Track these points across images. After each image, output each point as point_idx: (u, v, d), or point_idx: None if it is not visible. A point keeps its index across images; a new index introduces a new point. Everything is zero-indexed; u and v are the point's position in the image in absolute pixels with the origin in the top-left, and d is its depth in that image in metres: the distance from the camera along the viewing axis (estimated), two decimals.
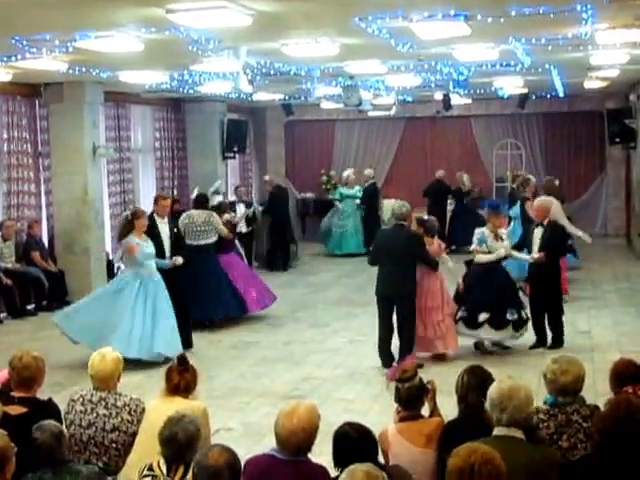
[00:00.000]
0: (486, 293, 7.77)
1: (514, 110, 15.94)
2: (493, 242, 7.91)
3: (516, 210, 11.22)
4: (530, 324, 8.02)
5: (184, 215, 9.60)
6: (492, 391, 3.40)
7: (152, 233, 8.06)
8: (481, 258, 7.94)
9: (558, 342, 8.10)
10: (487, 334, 7.86)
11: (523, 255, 8.27)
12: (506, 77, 12.00)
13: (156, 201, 8.51)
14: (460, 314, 7.84)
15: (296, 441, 3.35)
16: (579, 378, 3.84)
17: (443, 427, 3.92)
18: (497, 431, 3.33)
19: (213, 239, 9.50)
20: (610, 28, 7.08)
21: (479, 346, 8.11)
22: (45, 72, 9.19)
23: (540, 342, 8.13)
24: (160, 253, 8.09)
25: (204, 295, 9.20)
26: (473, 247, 8.04)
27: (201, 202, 9.79)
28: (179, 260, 8.15)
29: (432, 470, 3.81)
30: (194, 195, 10.48)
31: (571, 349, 7.68)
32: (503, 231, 8.16)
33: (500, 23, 6.57)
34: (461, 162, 17.12)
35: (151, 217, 8.24)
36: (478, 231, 8.06)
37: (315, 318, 9.93)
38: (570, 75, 11.60)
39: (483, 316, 7.75)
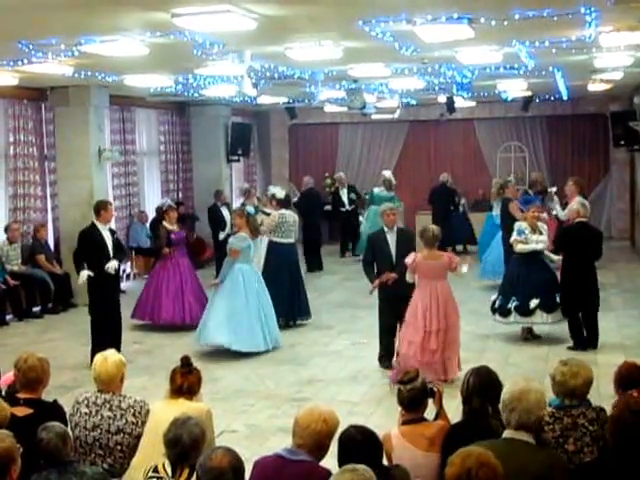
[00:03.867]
0: (533, 281, 8.24)
1: (518, 113, 15.93)
2: (533, 236, 8.33)
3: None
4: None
5: (277, 214, 9.75)
6: (505, 392, 3.38)
7: (95, 240, 7.99)
8: (523, 248, 8.37)
9: (593, 342, 8.07)
10: (541, 319, 8.28)
11: (553, 255, 8.54)
12: (510, 80, 12.01)
13: (105, 208, 8.16)
14: (512, 304, 8.29)
15: (314, 430, 3.36)
16: (589, 382, 3.85)
17: (447, 431, 3.93)
18: (506, 434, 3.31)
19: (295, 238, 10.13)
20: (614, 31, 7.09)
21: (527, 334, 8.57)
22: (51, 76, 9.24)
23: (578, 344, 8.08)
24: (105, 259, 8.06)
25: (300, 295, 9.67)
26: (513, 238, 8.52)
27: (289, 202, 10.35)
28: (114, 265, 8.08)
29: (435, 473, 3.81)
30: (282, 194, 10.35)
31: (575, 352, 7.68)
32: (544, 226, 8.56)
33: (504, 26, 6.58)
34: (465, 165, 17.13)
35: (93, 224, 8.09)
36: (518, 224, 8.63)
37: (319, 321, 9.94)
38: (574, 78, 11.60)
39: (534, 302, 8.19)
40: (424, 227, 7.34)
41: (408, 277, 7.22)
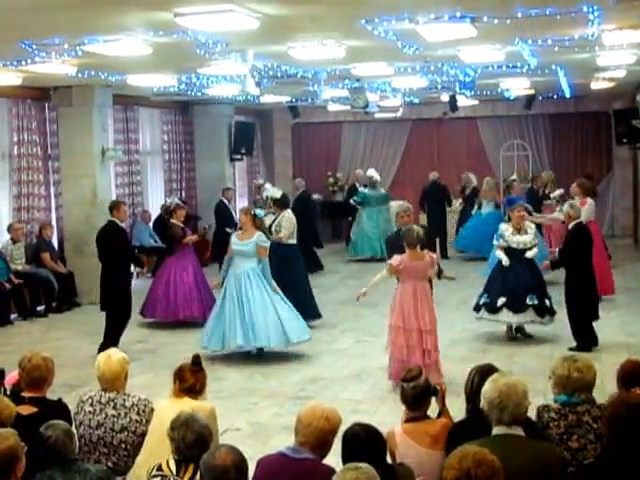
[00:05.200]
0: (505, 279, 8.33)
1: (521, 111, 15.94)
2: (511, 236, 8.38)
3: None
4: (558, 315, 8.38)
5: (291, 216, 9.54)
6: (488, 390, 3.33)
7: (123, 235, 8.26)
8: (499, 254, 8.51)
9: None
10: (507, 317, 8.36)
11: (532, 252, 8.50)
12: (512, 78, 12.02)
13: (117, 208, 8.42)
14: (482, 300, 8.43)
15: (316, 427, 3.37)
16: (595, 376, 3.89)
17: (450, 428, 3.94)
18: (497, 430, 3.29)
19: None
20: (617, 29, 7.10)
21: (513, 333, 8.64)
22: (54, 76, 9.27)
23: (582, 347, 7.93)
24: (131, 253, 8.34)
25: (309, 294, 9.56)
26: (495, 243, 8.64)
27: (288, 200, 10.07)
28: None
29: (439, 471, 3.82)
30: (279, 194, 10.00)
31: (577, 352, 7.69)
32: (531, 225, 8.64)
33: (506, 24, 6.59)
34: (468, 164, 17.13)
35: (113, 221, 8.35)
36: (500, 226, 8.70)
37: (323, 319, 9.95)
38: (577, 76, 11.60)
39: (501, 300, 8.27)
40: (408, 227, 7.15)
41: (382, 277, 7.08)
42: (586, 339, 8.02)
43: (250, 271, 8.09)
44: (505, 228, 8.53)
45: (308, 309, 9.46)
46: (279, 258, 9.34)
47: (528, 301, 8.22)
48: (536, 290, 8.30)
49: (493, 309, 8.36)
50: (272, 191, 10.31)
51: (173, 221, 9.86)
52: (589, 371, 3.84)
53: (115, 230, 8.34)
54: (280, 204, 9.74)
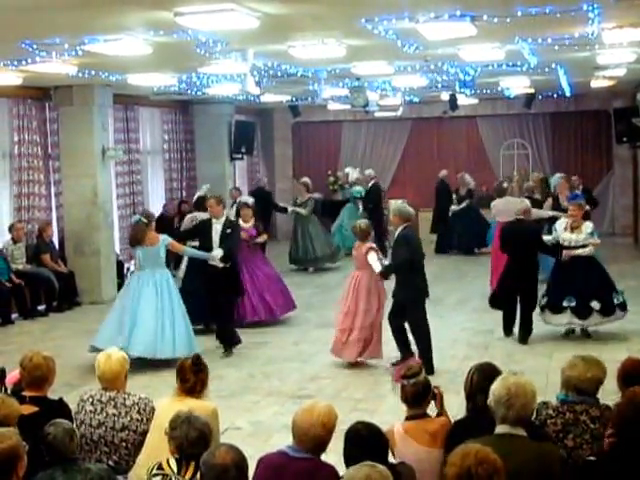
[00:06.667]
0: (570, 281, 8.23)
1: (521, 110, 15.93)
2: (563, 231, 8.33)
3: None
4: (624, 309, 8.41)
5: (188, 217, 9.47)
6: (497, 388, 3.33)
7: (204, 230, 8.43)
8: (546, 239, 8.60)
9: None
10: (566, 319, 8.30)
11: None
12: (512, 77, 12.01)
13: (206, 205, 8.71)
14: (569, 303, 8.25)
15: (314, 435, 3.38)
16: (587, 377, 3.83)
17: (450, 427, 3.94)
18: (501, 429, 3.29)
19: None
20: (617, 27, 7.11)
21: (569, 332, 8.59)
22: (55, 75, 9.27)
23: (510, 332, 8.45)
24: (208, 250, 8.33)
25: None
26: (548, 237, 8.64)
27: (201, 203, 9.77)
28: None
29: (438, 469, 3.83)
30: (196, 196, 10.19)
31: (580, 348, 7.69)
32: (589, 224, 8.48)
33: (506, 23, 6.59)
34: (468, 162, 17.14)
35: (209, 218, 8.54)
36: (558, 221, 8.68)
37: (323, 318, 9.95)
38: (577, 74, 11.60)
39: (567, 302, 8.21)
40: (354, 222, 8.11)
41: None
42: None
43: (150, 278, 7.93)
44: (560, 222, 8.49)
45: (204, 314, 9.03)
46: (193, 261, 9.04)
47: (592, 305, 8.18)
48: (600, 292, 8.23)
49: (557, 309, 8.29)
50: (201, 192, 10.31)
51: (240, 222, 9.76)
52: (574, 368, 3.81)
53: (199, 226, 8.73)
54: (195, 206, 9.77)
